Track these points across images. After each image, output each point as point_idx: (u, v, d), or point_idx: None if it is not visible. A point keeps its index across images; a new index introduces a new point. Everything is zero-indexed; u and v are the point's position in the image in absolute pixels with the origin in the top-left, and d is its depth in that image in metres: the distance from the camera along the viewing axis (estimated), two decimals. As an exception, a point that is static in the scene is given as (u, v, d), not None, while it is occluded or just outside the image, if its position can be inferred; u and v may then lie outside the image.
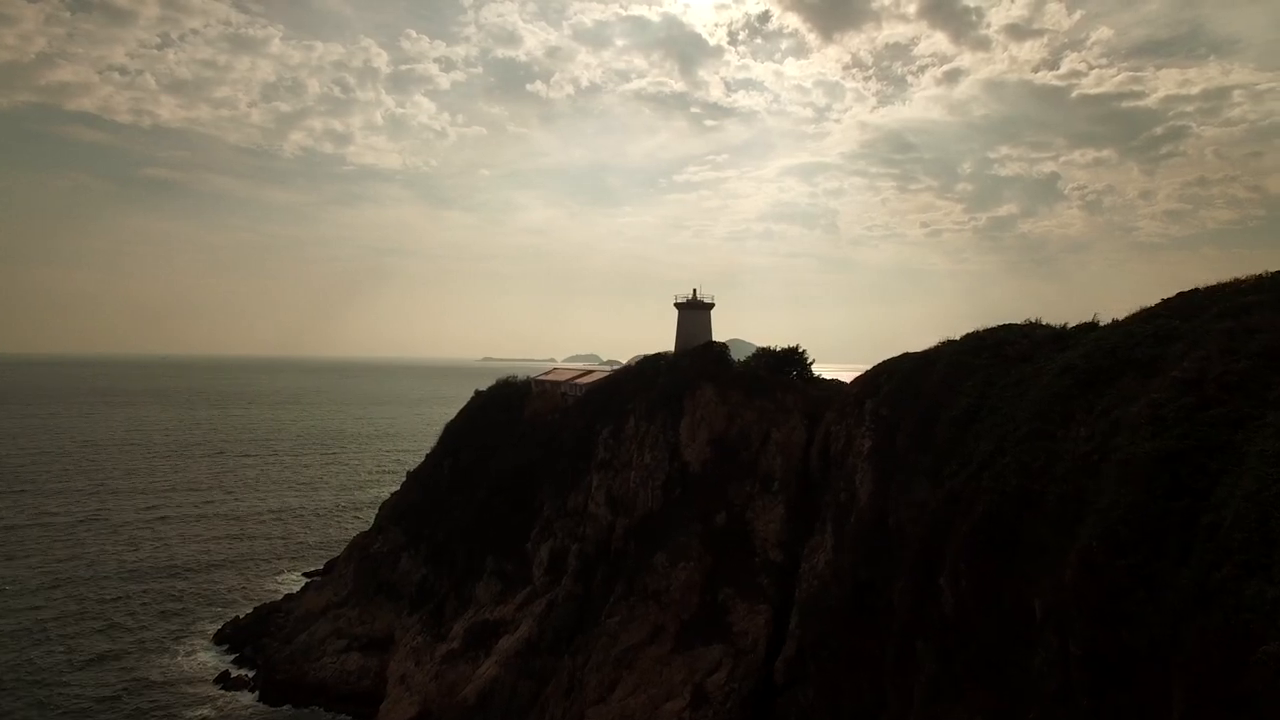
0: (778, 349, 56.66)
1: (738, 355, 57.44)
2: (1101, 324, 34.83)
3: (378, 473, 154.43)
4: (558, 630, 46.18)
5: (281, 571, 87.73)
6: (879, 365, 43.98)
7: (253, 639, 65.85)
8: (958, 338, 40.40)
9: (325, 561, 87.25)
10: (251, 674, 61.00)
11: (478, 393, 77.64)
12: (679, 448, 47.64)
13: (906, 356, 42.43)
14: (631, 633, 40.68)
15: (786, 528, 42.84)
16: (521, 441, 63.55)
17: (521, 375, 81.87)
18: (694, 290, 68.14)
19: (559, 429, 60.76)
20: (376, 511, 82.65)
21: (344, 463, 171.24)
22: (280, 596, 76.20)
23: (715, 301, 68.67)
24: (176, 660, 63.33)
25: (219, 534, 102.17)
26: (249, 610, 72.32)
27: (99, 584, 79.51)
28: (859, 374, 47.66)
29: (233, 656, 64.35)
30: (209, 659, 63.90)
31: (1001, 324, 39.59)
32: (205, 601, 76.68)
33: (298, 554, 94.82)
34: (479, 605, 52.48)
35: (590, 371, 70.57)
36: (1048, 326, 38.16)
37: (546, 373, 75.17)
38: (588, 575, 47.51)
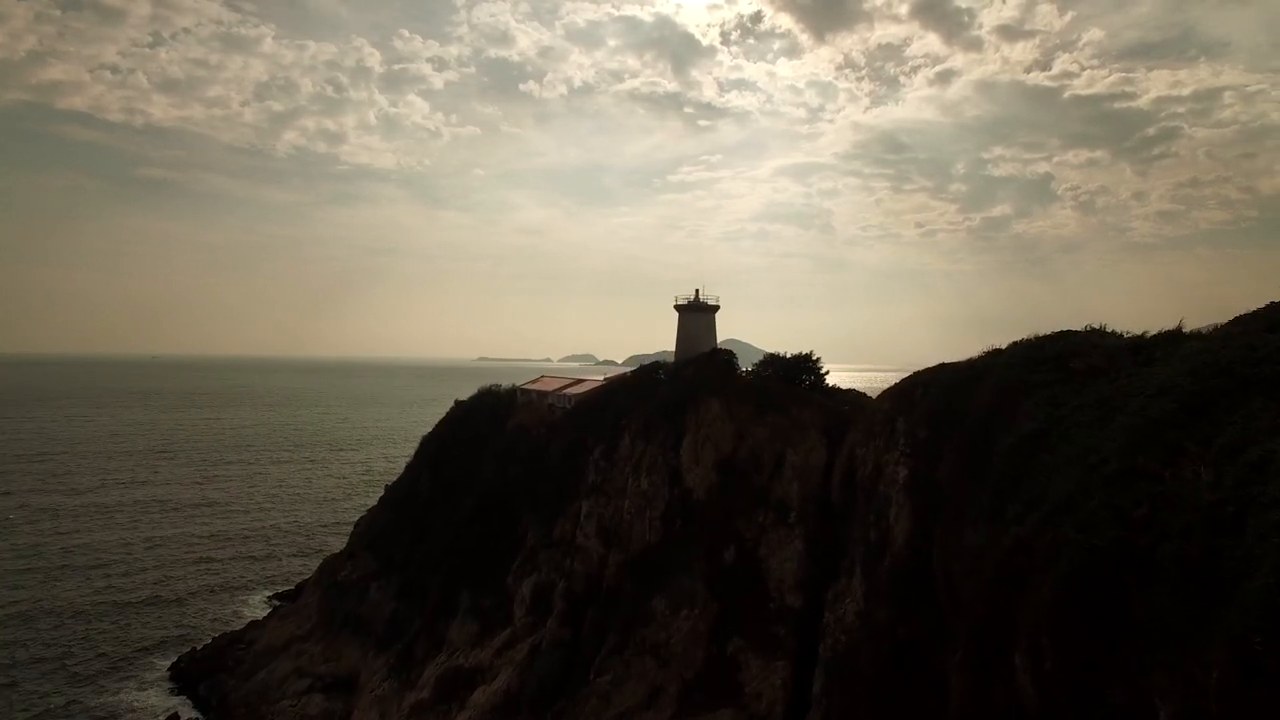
0: (788, 355, 50.95)
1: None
2: (1187, 331, 29.21)
3: (366, 482, 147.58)
4: (541, 681, 40.05)
5: (251, 592, 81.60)
6: (911, 377, 38.06)
7: (209, 674, 59.57)
8: (1002, 346, 34.88)
9: (298, 582, 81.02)
10: (205, 717, 54.86)
11: (458, 403, 71.39)
12: (680, 471, 41.58)
13: (944, 368, 36.65)
14: (625, 694, 34.62)
15: (805, 566, 36.84)
16: (504, 459, 57.24)
17: (515, 379, 76.04)
18: (696, 291, 61.81)
19: (545, 445, 54.59)
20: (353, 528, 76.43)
21: (333, 470, 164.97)
22: (244, 624, 69.96)
23: (720, 303, 62.30)
24: (123, 698, 57.04)
25: (189, 550, 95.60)
26: (209, 640, 66.11)
27: (55, 607, 73.20)
28: (873, 381, 41.82)
29: (186, 695, 58.07)
30: (159, 698, 57.54)
31: (1059, 330, 34.02)
32: (164, 628, 70.10)
33: (270, 574, 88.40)
34: (453, 648, 46.27)
35: (580, 380, 64.30)
36: (1116, 335, 32.57)
37: (533, 380, 68.93)
38: (576, 617, 41.39)
